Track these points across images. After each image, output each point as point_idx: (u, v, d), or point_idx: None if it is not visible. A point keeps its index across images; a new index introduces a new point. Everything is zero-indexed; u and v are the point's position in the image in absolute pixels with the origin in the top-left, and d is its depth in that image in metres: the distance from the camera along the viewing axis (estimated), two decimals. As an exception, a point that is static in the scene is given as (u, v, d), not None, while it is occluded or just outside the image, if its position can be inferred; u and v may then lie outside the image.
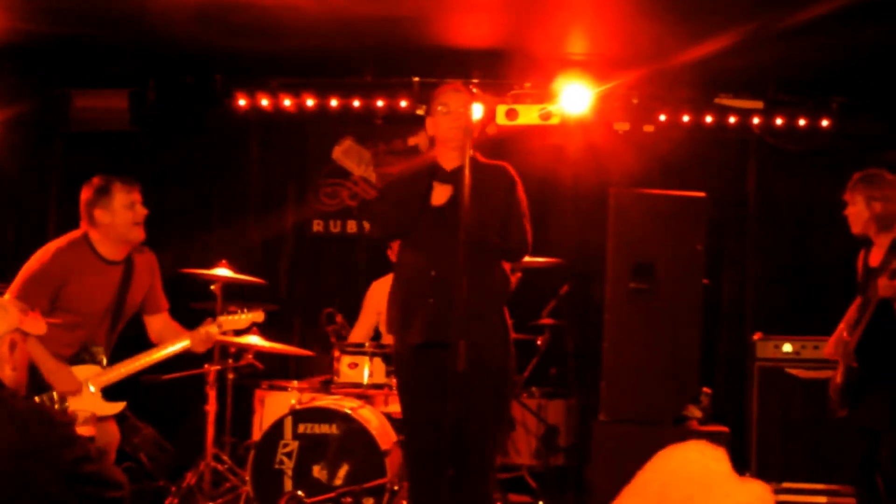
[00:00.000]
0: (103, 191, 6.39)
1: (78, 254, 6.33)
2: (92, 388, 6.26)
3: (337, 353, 8.02)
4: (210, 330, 6.59)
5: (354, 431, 7.52)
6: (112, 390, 6.37)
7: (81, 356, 6.28)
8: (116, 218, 6.36)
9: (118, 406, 6.37)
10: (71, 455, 5.42)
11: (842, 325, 7.09)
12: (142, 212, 6.46)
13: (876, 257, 6.86)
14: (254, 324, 6.94)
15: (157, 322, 6.75)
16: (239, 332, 7.05)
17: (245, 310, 6.89)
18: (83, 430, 5.82)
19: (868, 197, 6.80)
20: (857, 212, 6.86)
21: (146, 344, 6.61)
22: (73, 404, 6.18)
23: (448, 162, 6.02)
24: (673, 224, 8.23)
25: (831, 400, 6.99)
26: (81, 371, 6.27)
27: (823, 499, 8.57)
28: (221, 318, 6.70)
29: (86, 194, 6.41)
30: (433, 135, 6.10)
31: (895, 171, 6.93)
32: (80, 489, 5.40)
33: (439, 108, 5.99)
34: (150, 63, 9.77)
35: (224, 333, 6.86)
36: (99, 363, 6.33)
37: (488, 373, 5.66)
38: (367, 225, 5.99)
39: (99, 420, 6.14)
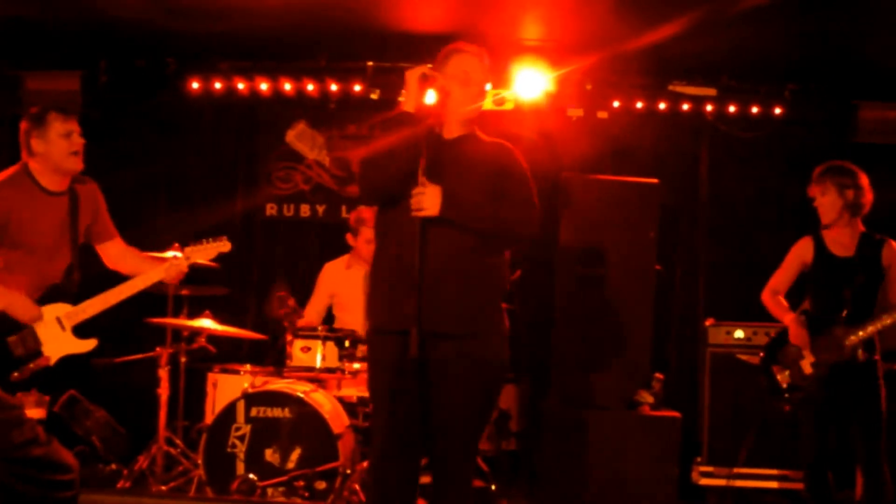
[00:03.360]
0: (38, 119, 6.21)
1: (19, 186, 6.15)
2: (64, 327, 6.15)
3: (289, 337, 8.01)
4: (179, 262, 6.50)
5: (307, 415, 7.51)
6: (82, 328, 6.25)
7: (49, 296, 6.15)
8: (52, 147, 6.16)
9: (91, 343, 6.24)
10: (19, 437, 5.40)
11: (788, 314, 7.11)
12: (78, 141, 6.26)
13: (844, 248, 6.90)
14: (220, 253, 6.81)
15: (112, 248, 6.59)
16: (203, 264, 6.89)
17: (210, 240, 6.75)
18: (32, 414, 5.81)
19: (840, 185, 6.83)
20: (831, 201, 6.86)
21: (115, 282, 6.50)
22: (47, 343, 6.08)
23: (449, 130, 5.59)
24: (625, 210, 8.26)
25: (794, 390, 7.00)
26: (52, 310, 6.14)
27: (775, 483, 8.64)
28: (188, 249, 6.62)
29: (23, 125, 6.26)
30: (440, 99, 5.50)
31: None
32: (27, 472, 5.38)
33: (459, 73, 5.52)
34: (102, 45, 9.71)
35: (192, 264, 6.65)
36: (68, 301, 6.20)
37: (479, 366, 5.42)
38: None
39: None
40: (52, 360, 6.04)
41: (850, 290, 6.78)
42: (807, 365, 6.93)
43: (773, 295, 7.19)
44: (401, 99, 5.55)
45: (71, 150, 6.21)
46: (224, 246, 6.73)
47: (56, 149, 6.17)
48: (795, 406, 7.01)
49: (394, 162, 5.33)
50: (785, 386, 7.04)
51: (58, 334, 6.09)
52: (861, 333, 6.69)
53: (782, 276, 7.21)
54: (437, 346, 5.24)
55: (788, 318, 7.08)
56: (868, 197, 6.88)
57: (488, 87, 5.87)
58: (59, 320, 6.12)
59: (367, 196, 5.84)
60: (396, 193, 5.35)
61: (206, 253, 6.68)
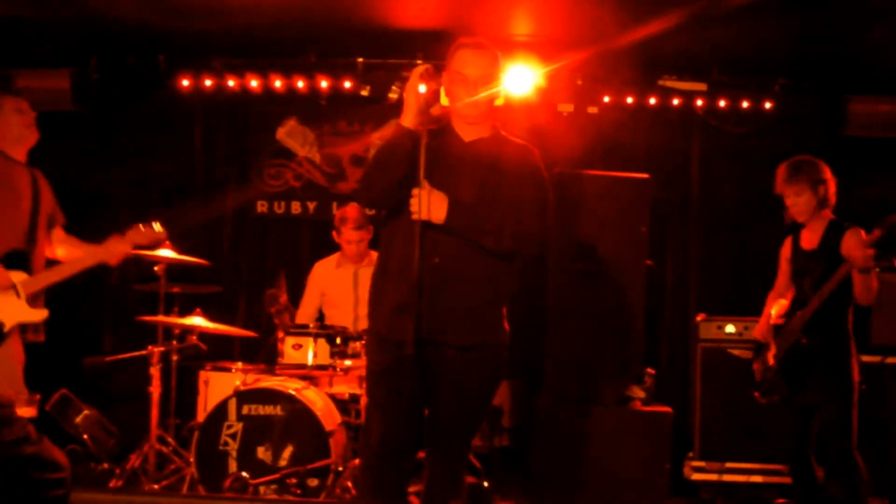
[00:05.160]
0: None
1: None
2: (19, 294, 6.40)
3: (281, 335, 8.00)
4: (121, 244, 6.86)
5: (299, 412, 7.51)
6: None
7: (9, 261, 6.42)
8: (11, 119, 6.71)
9: (43, 313, 6.54)
10: (10, 436, 5.39)
11: (769, 309, 7.16)
12: (31, 114, 6.82)
13: (810, 240, 6.92)
14: (157, 240, 7.16)
15: (59, 233, 6.99)
16: (144, 247, 7.24)
17: (151, 225, 7.04)
18: (23, 412, 5.81)
19: (814, 182, 6.84)
20: (807, 199, 6.87)
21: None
22: (2, 309, 6.34)
23: (466, 131, 5.48)
24: (617, 205, 8.26)
25: (763, 383, 7.05)
26: (9, 276, 6.43)
27: (759, 478, 8.66)
28: (129, 233, 6.89)
29: None
30: (447, 95, 5.42)
31: None
32: (18, 471, 5.37)
33: (455, 74, 5.36)
34: (92, 43, 9.69)
35: (134, 247, 7.03)
36: (25, 269, 6.48)
37: (479, 372, 5.41)
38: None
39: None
40: (7, 327, 6.24)
41: (809, 281, 6.79)
42: (770, 357, 6.97)
43: (774, 298, 7.24)
44: (391, 95, 5.42)
45: (27, 123, 6.77)
46: (161, 234, 7.07)
47: (15, 121, 6.74)
48: (764, 396, 7.06)
49: (393, 173, 5.23)
50: (758, 378, 7.09)
51: (13, 301, 6.36)
52: (802, 317, 6.73)
53: (780, 279, 7.28)
54: (437, 352, 5.21)
55: (763, 315, 7.15)
56: (833, 188, 6.90)
57: (502, 79, 5.59)
58: (15, 287, 6.38)
59: (368, 205, 5.84)
60: (401, 201, 5.25)
61: (146, 237, 6.99)
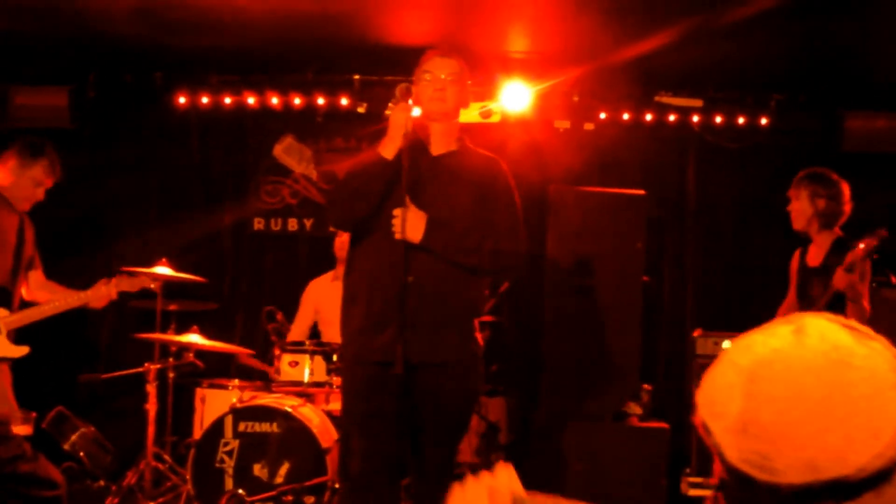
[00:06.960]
0: (33, 154, 6.84)
1: None
2: (0, 330, 6.48)
3: (277, 352, 8.00)
4: (106, 288, 6.89)
5: (295, 430, 7.50)
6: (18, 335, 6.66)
7: None
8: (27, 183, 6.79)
9: (23, 350, 6.58)
10: (5, 453, 5.40)
11: None
12: (40, 196, 6.91)
13: (815, 257, 6.90)
14: (143, 288, 7.20)
15: (36, 277, 7.02)
16: (130, 295, 7.26)
17: (144, 270, 7.21)
18: (19, 430, 5.82)
19: (813, 193, 6.83)
20: (801, 208, 6.86)
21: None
22: None
23: (436, 145, 5.48)
24: (613, 221, 8.28)
25: None
26: None
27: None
28: (116, 279, 6.96)
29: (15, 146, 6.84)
30: (417, 107, 5.45)
31: None
32: (14, 488, 5.38)
33: (423, 75, 5.42)
34: (90, 60, 9.70)
35: (120, 293, 7.07)
36: (8, 306, 6.55)
37: (457, 389, 5.36)
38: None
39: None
40: None
41: (810, 299, 6.78)
42: None
43: (784, 314, 7.20)
44: (387, 112, 5.42)
45: (35, 199, 6.85)
46: (148, 282, 7.18)
47: (24, 189, 6.80)
48: None
49: (365, 202, 5.27)
50: None
51: None
52: None
53: (791, 294, 7.20)
54: (415, 370, 5.19)
55: None
56: (846, 207, 6.86)
57: (467, 89, 5.60)
58: None
59: (335, 225, 5.85)
60: (372, 221, 5.29)
61: (133, 284, 7.07)
